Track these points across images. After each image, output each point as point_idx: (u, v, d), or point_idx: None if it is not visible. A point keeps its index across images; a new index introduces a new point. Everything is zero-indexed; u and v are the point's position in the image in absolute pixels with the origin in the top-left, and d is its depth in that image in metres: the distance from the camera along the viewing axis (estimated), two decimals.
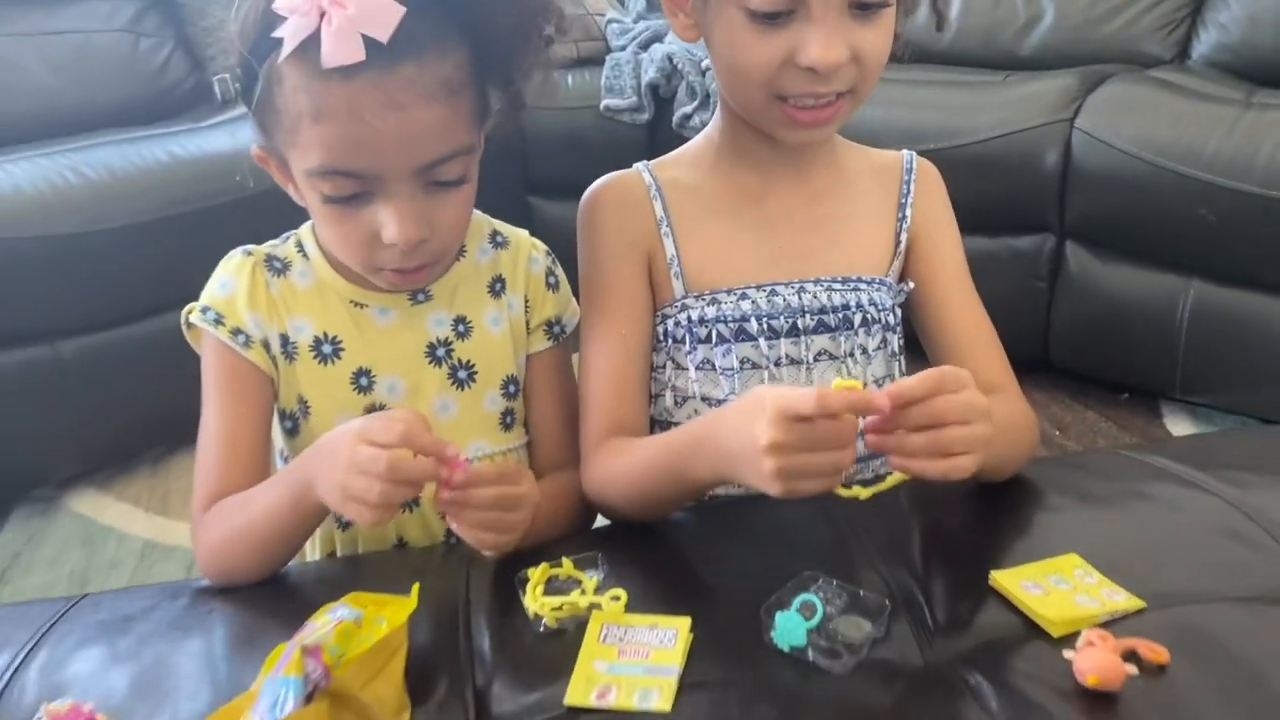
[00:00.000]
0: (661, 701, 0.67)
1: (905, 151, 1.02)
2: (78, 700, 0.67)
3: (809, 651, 0.70)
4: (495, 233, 0.99)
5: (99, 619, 0.82)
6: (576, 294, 1.00)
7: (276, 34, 0.76)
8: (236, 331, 0.89)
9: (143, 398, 2.11)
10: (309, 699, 0.61)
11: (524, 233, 1.01)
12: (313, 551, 0.96)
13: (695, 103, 2.42)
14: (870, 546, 0.82)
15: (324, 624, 0.66)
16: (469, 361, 0.94)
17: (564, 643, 0.73)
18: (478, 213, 0.95)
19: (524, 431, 0.99)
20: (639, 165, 0.97)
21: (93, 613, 0.83)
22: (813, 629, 0.71)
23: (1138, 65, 2.26)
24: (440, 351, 0.94)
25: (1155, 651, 0.68)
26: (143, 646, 0.78)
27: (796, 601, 0.72)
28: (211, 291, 0.91)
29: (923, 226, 0.99)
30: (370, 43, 0.75)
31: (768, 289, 0.93)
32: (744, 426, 0.72)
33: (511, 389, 0.97)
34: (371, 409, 0.91)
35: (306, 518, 0.83)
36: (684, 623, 0.73)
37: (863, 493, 0.77)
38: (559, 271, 1.00)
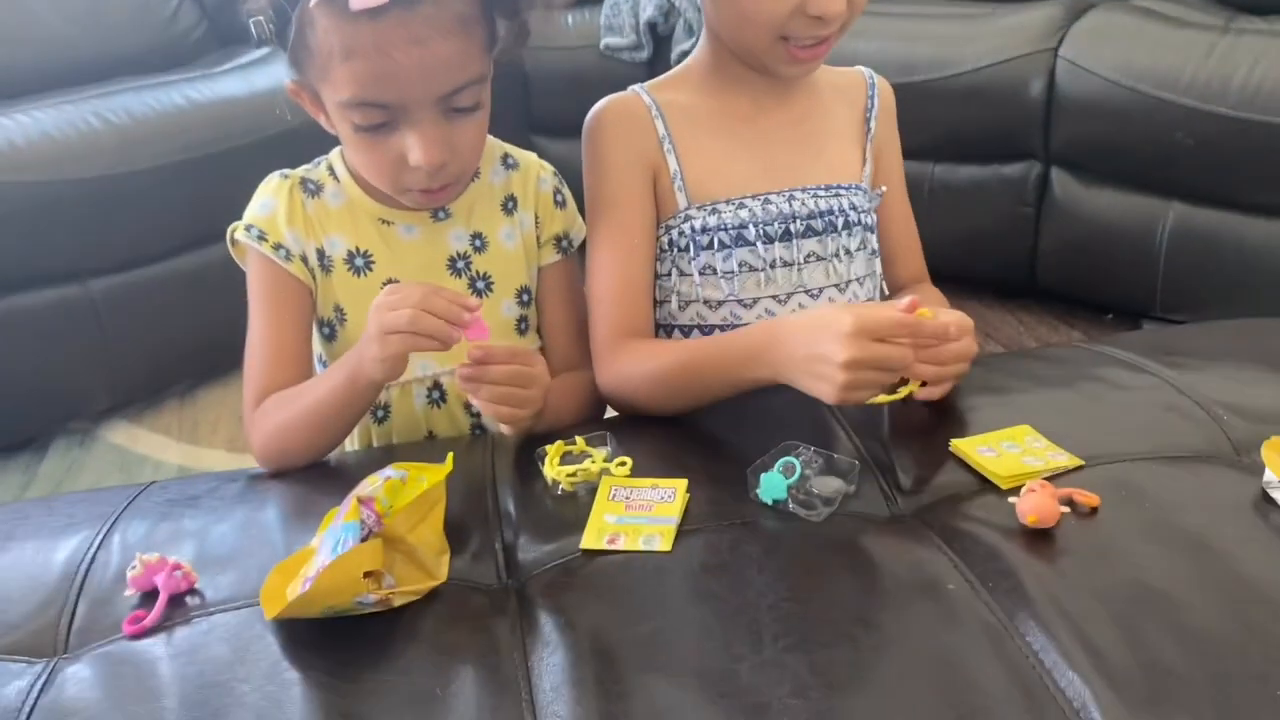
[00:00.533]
0: (663, 544, 0.78)
1: (862, 69, 1.13)
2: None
3: (789, 503, 0.81)
4: (506, 155, 1.08)
5: (167, 498, 0.93)
6: (582, 211, 1.09)
7: None
8: (278, 246, 0.99)
9: (170, 333, 2.22)
10: (365, 539, 0.72)
11: (533, 155, 1.10)
12: (351, 445, 1.07)
13: (693, 39, 2.49)
14: (845, 422, 0.93)
15: (374, 482, 0.77)
16: (486, 273, 1.05)
17: (578, 504, 0.84)
18: (490, 138, 1.04)
19: (537, 336, 1.09)
20: (635, 87, 1.07)
21: (160, 493, 0.94)
22: (792, 485, 0.82)
23: None
24: (460, 264, 1.04)
25: (1087, 497, 0.79)
26: (209, 519, 0.89)
27: (778, 464, 0.83)
28: (254, 211, 1.01)
29: (881, 140, 1.11)
30: None
31: (762, 198, 1.03)
32: (818, 340, 0.83)
33: (525, 297, 1.07)
34: None
35: (359, 396, 0.93)
36: (681, 483, 0.84)
37: (882, 398, 0.90)
38: (565, 190, 1.10)
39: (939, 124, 2.17)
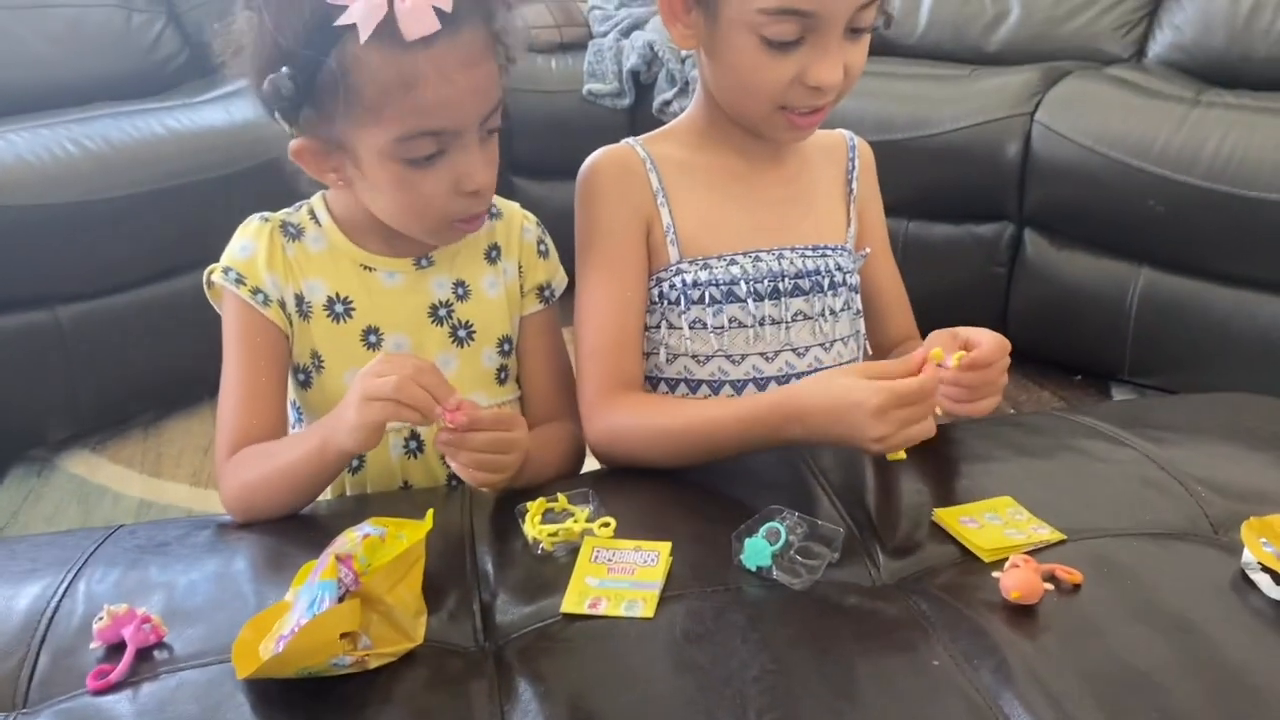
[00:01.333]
0: (645, 610, 0.77)
1: (843, 132, 1.14)
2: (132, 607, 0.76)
3: (773, 570, 0.81)
4: (490, 204, 1.08)
5: (135, 544, 0.91)
6: (566, 260, 1.09)
7: (341, 23, 0.84)
8: (256, 291, 0.98)
9: (136, 363, 2.19)
10: (342, 599, 0.70)
11: (515, 205, 1.10)
12: (325, 493, 1.05)
13: (675, 89, 2.51)
14: (828, 487, 0.93)
15: (353, 538, 0.75)
16: (468, 322, 1.04)
17: (558, 565, 0.83)
18: None
19: (516, 386, 1.08)
20: (629, 141, 1.07)
21: (129, 539, 0.92)
22: (776, 552, 0.81)
23: (1097, 63, 2.38)
24: (442, 312, 1.03)
25: (1070, 574, 0.79)
26: (179, 568, 0.87)
27: (763, 529, 0.83)
28: (232, 253, 1.00)
29: (864, 200, 1.13)
30: (437, 13, 0.84)
31: (753, 254, 1.04)
32: (845, 422, 0.86)
33: (506, 347, 1.06)
34: None
35: (328, 465, 0.92)
36: (665, 546, 0.83)
37: (901, 455, 0.94)
38: (548, 240, 1.10)
39: (915, 182, 2.20)
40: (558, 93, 2.64)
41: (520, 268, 1.07)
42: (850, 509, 0.90)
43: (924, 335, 1.00)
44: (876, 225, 1.14)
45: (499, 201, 1.09)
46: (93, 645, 0.76)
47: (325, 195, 1.03)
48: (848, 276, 1.07)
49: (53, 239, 2.01)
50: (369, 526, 0.77)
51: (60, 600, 0.83)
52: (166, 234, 2.14)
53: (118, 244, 2.10)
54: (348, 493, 1.05)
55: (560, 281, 1.09)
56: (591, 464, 1.07)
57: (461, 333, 1.04)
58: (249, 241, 1.00)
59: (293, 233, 1.01)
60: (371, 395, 0.85)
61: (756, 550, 0.81)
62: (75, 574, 0.86)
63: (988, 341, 0.93)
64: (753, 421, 0.93)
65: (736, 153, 1.05)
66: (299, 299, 0.99)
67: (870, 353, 1.13)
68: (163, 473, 2.12)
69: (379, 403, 0.84)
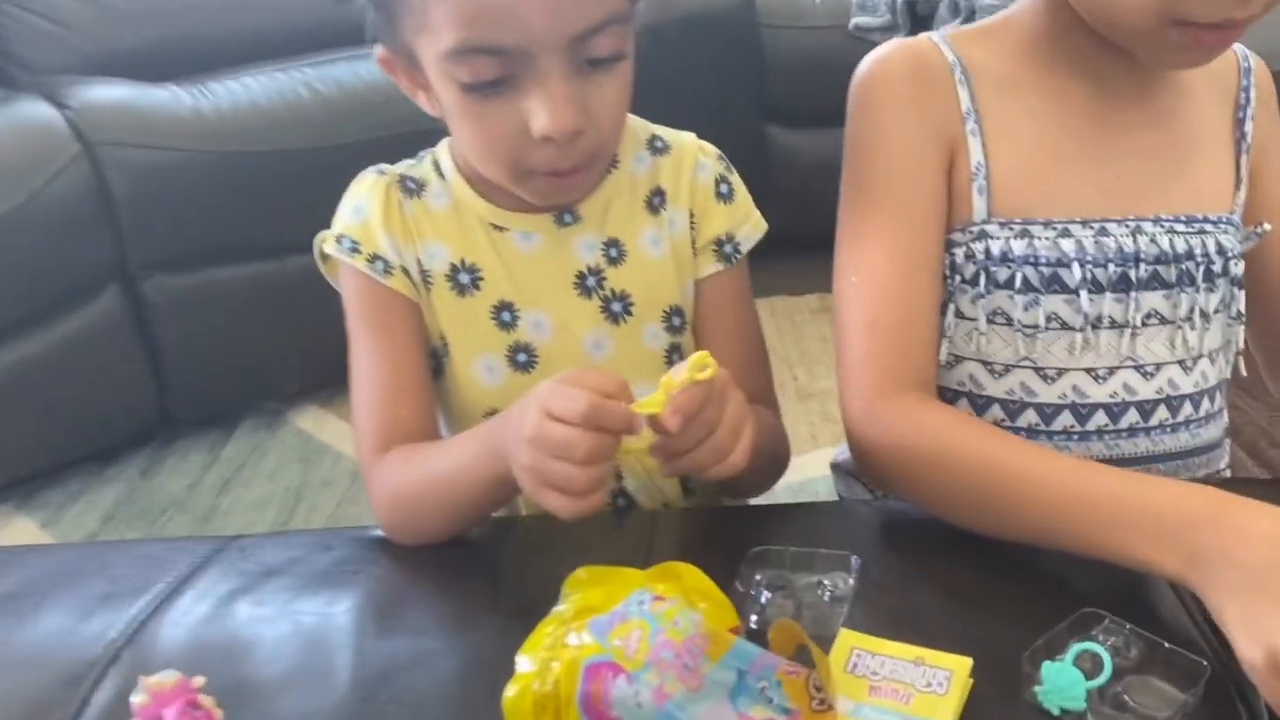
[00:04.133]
0: None
1: (1234, 48, 0.78)
2: (187, 675, 0.58)
3: (1088, 719, 0.52)
4: (654, 137, 0.83)
5: (240, 568, 0.73)
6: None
7: None
8: (374, 258, 0.78)
9: None
10: None
11: (690, 135, 0.84)
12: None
13: (959, 19, 2.18)
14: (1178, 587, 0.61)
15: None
16: (624, 291, 0.80)
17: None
18: (634, 118, 0.80)
19: None
20: (930, 35, 0.77)
21: (238, 559, 0.75)
22: (1095, 689, 0.52)
23: None
24: (590, 281, 0.79)
25: None
26: (271, 610, 0.68)
27: (1073, 651, 0.54)
28: (344, 217, 0.80)
29: (1261, 149, 0.78)
30: None
31: (1097, 226, 0.73)
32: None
33: (676, 321, 0.81)
34: (515, 349, 0.79)
35: (503, 489, 0.70)
36: (963, 664, 0.55)
37: None
38: (734, 178, 0.83)
39: None
40: (819, 28, 2.35)
41: (692, 217, 0.81)
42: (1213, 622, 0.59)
43: None
44: (1278, 186, 0.79)
45: (667, 133, 0.84)
46: None
47: (449, 142, 0.81)
48: (1231, 264, 0.75)
49: (283, 185, 1.95)
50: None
51: (141, 626, 0.67)
52: None
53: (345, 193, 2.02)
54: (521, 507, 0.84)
55: (751, 231, 0.82)
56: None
57: (616, 305, 0.80)
58: (362, 201, 0.80)
59: (412, 188, 0.80)
60: (555, 451, 0.61)
61: (1063, 684, 0.53)
62: (155, 609, 0.69)
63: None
64: (1129, 503, 0.60)
65: (1087, 76, 0.74)
66: (419, 266, 0.79)
67: (1245, 373, 0.78)
68: None
69: (573, 500, 0.61)
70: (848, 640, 0.57)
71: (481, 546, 0.75)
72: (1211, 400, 0.77)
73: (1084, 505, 0.61)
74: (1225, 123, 0.77)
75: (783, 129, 2.36)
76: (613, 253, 0.80)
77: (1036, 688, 0.53)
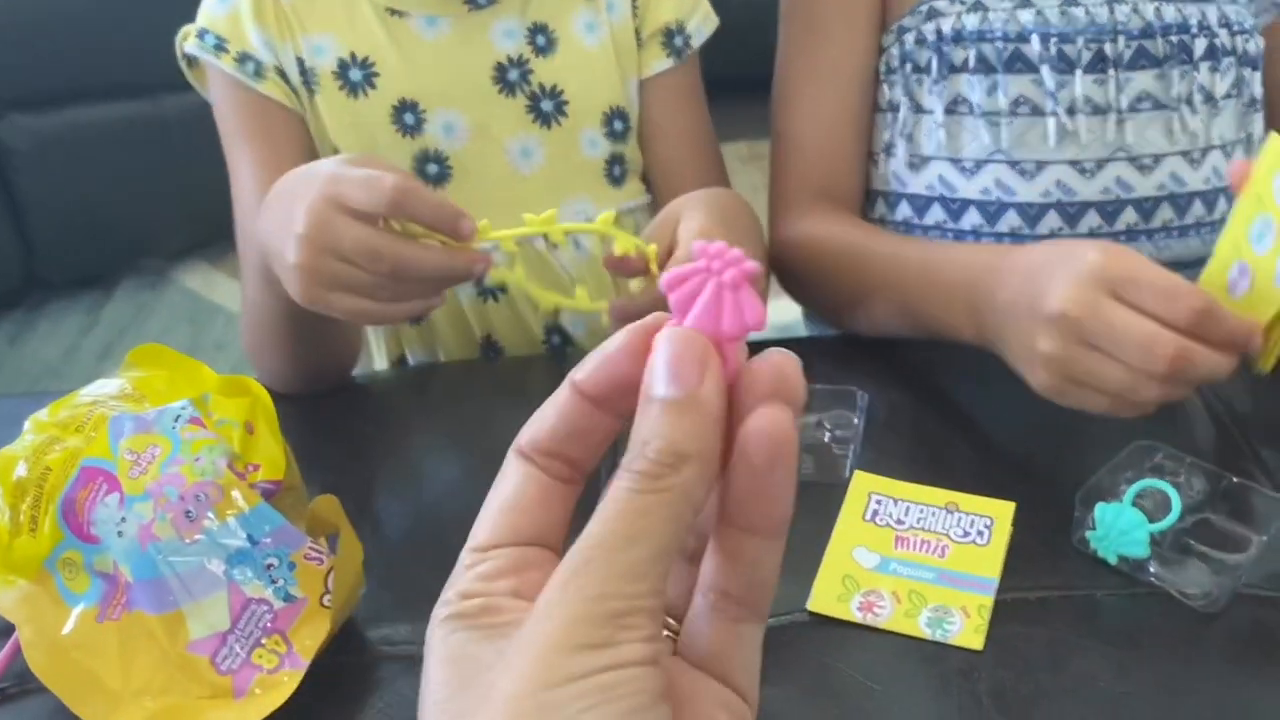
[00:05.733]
0: (968, 633, 0.42)
1: None
2: None
3: (1150, 566, 0.44)
4: None
5: None
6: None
7: None
8: (244, 58, 0.64)
9: None
10: None
11: None
12: (379, 354, 0.73)
13: None
14: (1225, 415, 0.54)
15: None
16: (554, 87, 0.68)
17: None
18: None
19: (642, 187, 0.72)
20: None
21: None
22: (1160, 532, 0.44)
23: None
24: (513, 74, 0.67)
25: None
26: None
27: (1131, 490, 0.46)
28: (209, 8, 0.66)
29: None
30: None
31: None
32: (1035, 292, 0.47)
33: (618, 126, 0.70)
34: (423, 158, 0.66)
35: (284, 305, 0.56)
36: (1005, 509, 0.47)
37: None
38: None
39: None
40: None
41: (634, 2, 0.69)
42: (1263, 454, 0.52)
43: None
44: None
45: None
46: None
47: None
48: (1239, 40, 0.65)
49: (155, 8, 1.73)
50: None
51: None
52: None
53: None
54: (408, 355, 0.72)
55: (701, 24, 0.71)
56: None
57: (546, 104, 0.68)
58: None
59: None
60: (346, 285, 0.50)
61: (1120, 527, 0.45)
62: None
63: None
64: (935, 272, 0.57)
65: None
66: (301, 65, 0.65)
67: None
68: None
69: (363, 309, 0.50)
70: (864, 484, 0.48)
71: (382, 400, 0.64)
72: (1229, 201, 0.68)
73: (910, 282, 0.59)
74: None
75: None
76: (539, 40, 0.67)
77: (1088, 533, 0.45)
